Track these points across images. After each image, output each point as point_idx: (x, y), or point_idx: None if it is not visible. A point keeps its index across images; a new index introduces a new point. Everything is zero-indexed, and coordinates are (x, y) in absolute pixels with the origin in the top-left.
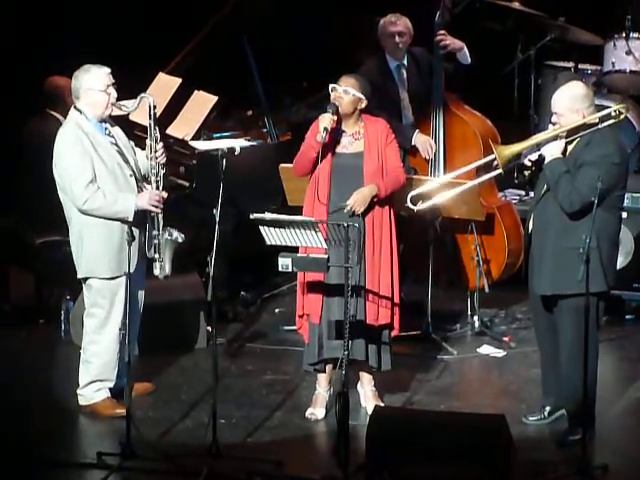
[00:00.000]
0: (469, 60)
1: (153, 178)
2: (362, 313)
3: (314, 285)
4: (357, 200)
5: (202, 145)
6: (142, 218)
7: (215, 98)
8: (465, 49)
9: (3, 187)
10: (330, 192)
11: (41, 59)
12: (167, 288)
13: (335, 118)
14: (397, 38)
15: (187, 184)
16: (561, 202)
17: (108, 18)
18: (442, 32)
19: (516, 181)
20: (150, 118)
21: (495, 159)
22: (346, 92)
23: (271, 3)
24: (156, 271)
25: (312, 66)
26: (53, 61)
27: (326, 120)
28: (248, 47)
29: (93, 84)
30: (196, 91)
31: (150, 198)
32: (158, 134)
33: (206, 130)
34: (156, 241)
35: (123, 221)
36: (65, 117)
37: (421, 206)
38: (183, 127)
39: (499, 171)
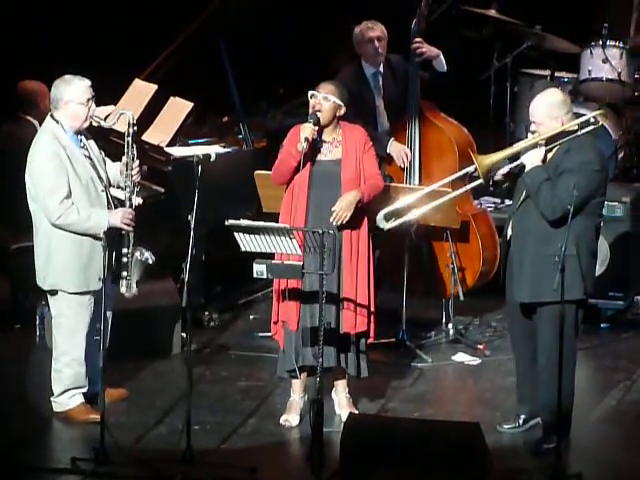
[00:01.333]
0: (445, 68)
1: (127, 195)
2: (339, 320)
3: (291, 292)
4: (342, 207)
5: (178, 151)
6: (113, 235)
7: (191, 104)
8: (441, 57)
9: None
10: (308, 199)
11: (13, 63)
12: (142, 294)
13: (317, 129)
14: (376, 43)
15: (162, 190)
16: (542, 210)
17: (83, 23)
18: (418, 39)
19: (491, 189)
20: (128, 135)
21: (475, 169)
22: (326, 99)
23: (246, 10)
24: (122, 289)
25: (288, 72)
26: (26, 65)
27: (307, 130)
28: (225, 53)
29: (74, 96)
30: (172, 97)
31: (123, 216)
32: (135, 152)
33: (182, 136)
34: (125, 259)
35: (94, 236)
36: (39, 121)
37: (392, 224)
38: (158, 133)
39: (480, 181)
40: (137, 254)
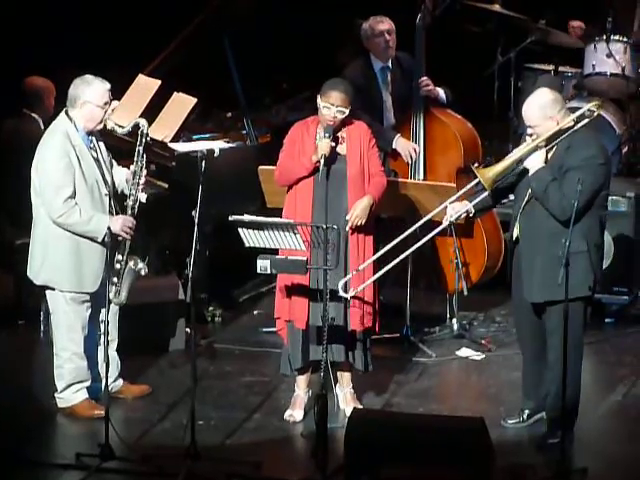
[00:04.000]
0: (445, 101)
1: (130, 204)
2: (346, 316)
3: (297, 289)
4: (358, 214)
5: (181, 147)
6: (112, 241)
7: (194, 100)
8: (441, 94)
9: None
10: (313, 195)
11: (19, 58)
12: (146, 289)
13: (333, 144)
14: (387, 36)
15: (166, 185)
16: (553, 211)
17: (88, 19)
18: (425, 78)
19: None
20: (140, 145)
21: (478, 182)
22: (341, 112)
23: (252, 5)
24: (111, 295)
25: (292, 68)
26: (31, 61)
27: (325, 147)
28: (228, 48)
29: (92, 98)
30: (175, 93)
31: (123, 224)
32: (145, 162)
33: (185, 132)
34: (118, 266)
35: (92, 239)
36: (42, 118)
37: (352, 293)
38: (162, 129)
39: (486, 193)
40: (131, 263)
